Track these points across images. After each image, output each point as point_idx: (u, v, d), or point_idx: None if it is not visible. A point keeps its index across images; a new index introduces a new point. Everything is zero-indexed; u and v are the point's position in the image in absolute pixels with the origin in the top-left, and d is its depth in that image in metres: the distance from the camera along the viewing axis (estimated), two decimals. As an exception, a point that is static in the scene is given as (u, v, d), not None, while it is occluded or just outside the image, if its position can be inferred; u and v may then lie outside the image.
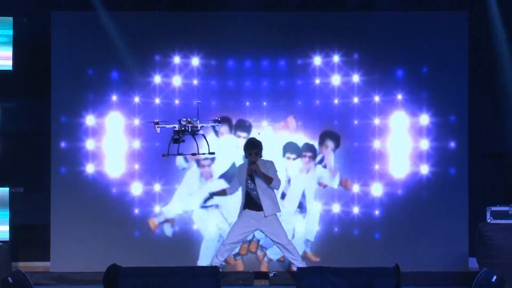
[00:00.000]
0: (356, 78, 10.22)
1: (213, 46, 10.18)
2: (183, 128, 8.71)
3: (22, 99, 10.29)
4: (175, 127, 8.80)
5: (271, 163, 9.41)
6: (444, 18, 10.22)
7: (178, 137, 8.75)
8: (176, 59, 10.21)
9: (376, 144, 10.20)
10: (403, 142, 10.23)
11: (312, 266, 8.93)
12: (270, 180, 9.25)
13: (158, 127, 8.91)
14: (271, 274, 9.99)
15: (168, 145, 8.91)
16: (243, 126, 10.20)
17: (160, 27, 10.19)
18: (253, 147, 9.36)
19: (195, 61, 10.21)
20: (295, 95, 10.22)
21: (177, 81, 10.22)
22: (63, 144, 10.18)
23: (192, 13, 10.27)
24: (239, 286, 9.84)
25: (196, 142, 9.00)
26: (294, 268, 9.37)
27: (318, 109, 10.23)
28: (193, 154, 9.08)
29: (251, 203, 9.32)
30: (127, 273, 7.91)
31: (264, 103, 10.22)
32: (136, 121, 10.22)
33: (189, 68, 10.23)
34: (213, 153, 9.08)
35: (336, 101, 10.22)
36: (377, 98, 10.21)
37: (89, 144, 10.19)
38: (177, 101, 10.22)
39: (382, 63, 10.20)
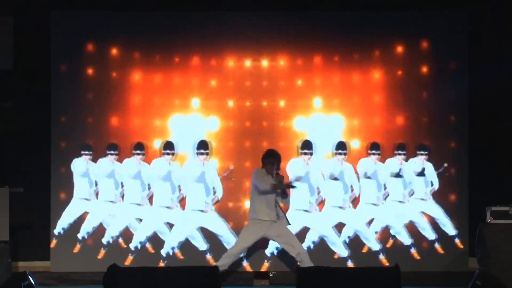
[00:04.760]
0: (356, 77, 10.22)
1: (213, 46, 10.19)
2: None
3: (22, 99, 10.28)
4: None
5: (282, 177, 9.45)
6: (444, 18, 10.22)
7: None
8: (176, 59, 10.22)
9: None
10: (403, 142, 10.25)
11: (312, 266, 8.92)
12: (287, 194, 9.39)
13: None
14: (271, 274, 9.99)
15: None
16: None
17: (160, 27, 10.21)
18: (273, 157, 9.37)
19: (195, 60, 10.23)
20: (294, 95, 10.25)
21: (176, 80, 10.23)
22: (63, 144, 10.19)
23: (192, 13, 10.27)
24: (239, 286, 9.85)
25: None
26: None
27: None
28: None
29: (266, 211, 9.30)
30: (127, 273, 7.92)
31: (264, 103, 10.23)
32: (136, 121, 10.22)
33: (189, 67, 10.24)
34: None
35: (336, 101, 10.22)
36: (377, 98, 10.22)
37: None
38: (176, 101, 10.22)
39: (382, 63, 10.20)
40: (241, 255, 9.76)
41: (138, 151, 10.12)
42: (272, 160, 9.35)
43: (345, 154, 10.10)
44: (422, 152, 10.14)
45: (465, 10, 10.20)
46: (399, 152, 10.15)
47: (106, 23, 10.22)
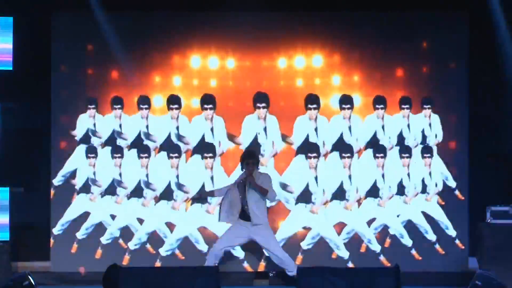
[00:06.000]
0: (356, 77, 10.23)
1: (213, 46, 10.19)
2: None
3: (22, 99, 10.28)
4: None
5: (266, 175, 9.39)
6: (444, 18, 10.22)
7: None
8: (176, 59, 10.22)
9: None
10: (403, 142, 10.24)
11: (312, 266, 8.93)
12: (265, 191, 9.25)
13: None
14: (271, 274, 9.99)
15: None
16: None
17: (161, 27, 10.20)
18: (249, 157, 9.34)
19: (196, 60, 10.23)
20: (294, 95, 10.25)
21: (177, 80, 10.24)
22: (63, 144, 10.20)
23: (192, 13, 10.27)
24: (239, 286, 9.84)
25: None
26: (289, 274, 9.31)
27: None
28: None
29: (243, 213, 9.30)
30: (127, 273, 7.92)
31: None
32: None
33: (189, 67, 10.24)
34: None
35: (336, 100, 10.23)
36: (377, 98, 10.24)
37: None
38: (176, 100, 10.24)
39: (382, 63, 10.20)
40: (239, 256, 9.77)
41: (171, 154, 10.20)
42: (247, 160, 9.34)
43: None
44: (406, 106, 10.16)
45: (465, 10, 10.20)
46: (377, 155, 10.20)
47: (106, 24, 10.20)
